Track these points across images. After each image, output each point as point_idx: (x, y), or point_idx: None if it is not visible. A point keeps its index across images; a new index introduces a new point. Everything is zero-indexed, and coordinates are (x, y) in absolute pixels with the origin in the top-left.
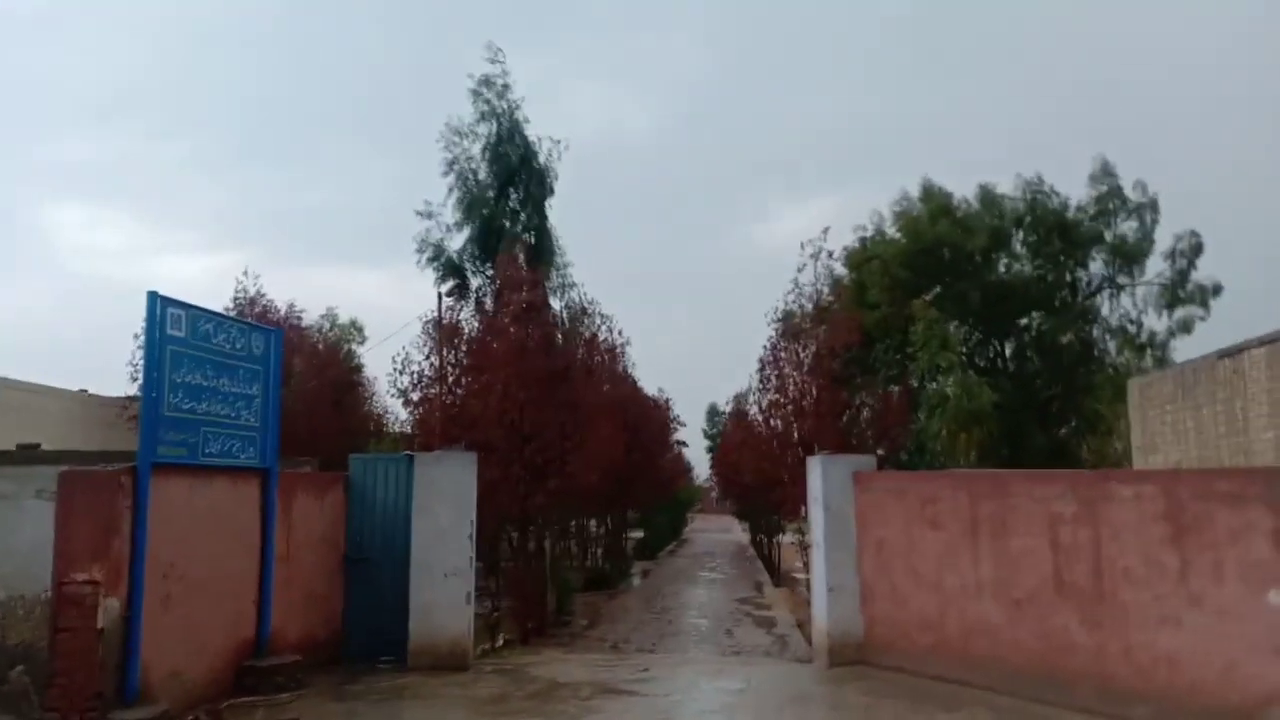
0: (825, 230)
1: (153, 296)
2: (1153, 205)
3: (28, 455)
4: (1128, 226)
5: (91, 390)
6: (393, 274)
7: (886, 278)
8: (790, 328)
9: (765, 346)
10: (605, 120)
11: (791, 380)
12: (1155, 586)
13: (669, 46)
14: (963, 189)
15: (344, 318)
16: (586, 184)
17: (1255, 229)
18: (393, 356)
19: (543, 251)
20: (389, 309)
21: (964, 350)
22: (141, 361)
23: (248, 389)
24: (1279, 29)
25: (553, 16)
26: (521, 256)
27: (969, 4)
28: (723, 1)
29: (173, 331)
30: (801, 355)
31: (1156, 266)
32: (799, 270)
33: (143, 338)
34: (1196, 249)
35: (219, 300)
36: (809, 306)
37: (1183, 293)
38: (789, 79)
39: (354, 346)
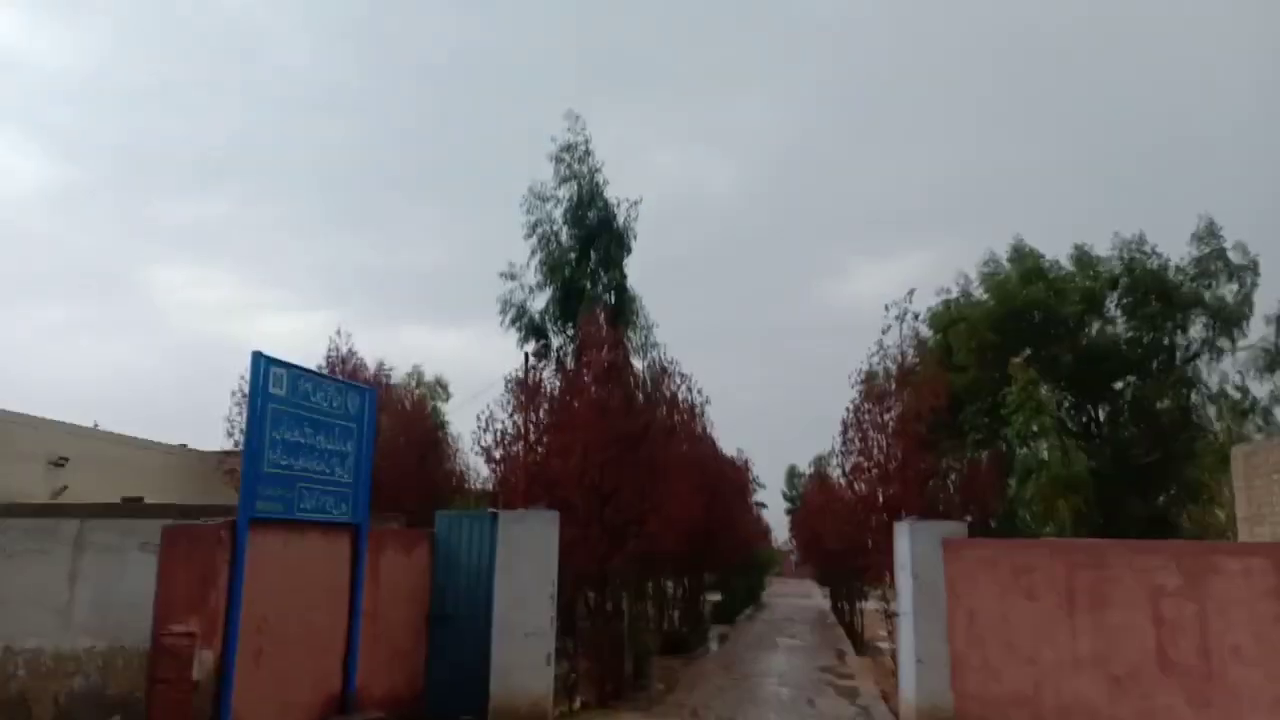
0: (910, 292)
1: (256, 357)
2: (1253, 267)
3: (132, 508)
4: (1228, 289)
5: (189, 444)
6: (475, 332)
7: (974, 340)
8: (874, 389)
9: (848, 408)
10: (684, 178)
11: (875, 443)
12: (1268, 665)
13: (749, 104)
14: (1053, 248)
15: (429, 375)
16: (666, 242)
17: None
18: (477, 415)
19: (623, 311)
20: (472, 367)
21: (1057, 414)
22: (240, 418)
23: (342, 446)
24: None
25: (634, 77)
26: (602, 316)
27: (1054, 59)
28: (802, 60)
29: (274, 390)
30: (885, 418)
31: (1258, 330)
32: (883, 331)
33: (243, 395)
34: None
35: (310, 357)
36: (893, 368)
37: None
38: (870, 138)
39: (438, 404)
